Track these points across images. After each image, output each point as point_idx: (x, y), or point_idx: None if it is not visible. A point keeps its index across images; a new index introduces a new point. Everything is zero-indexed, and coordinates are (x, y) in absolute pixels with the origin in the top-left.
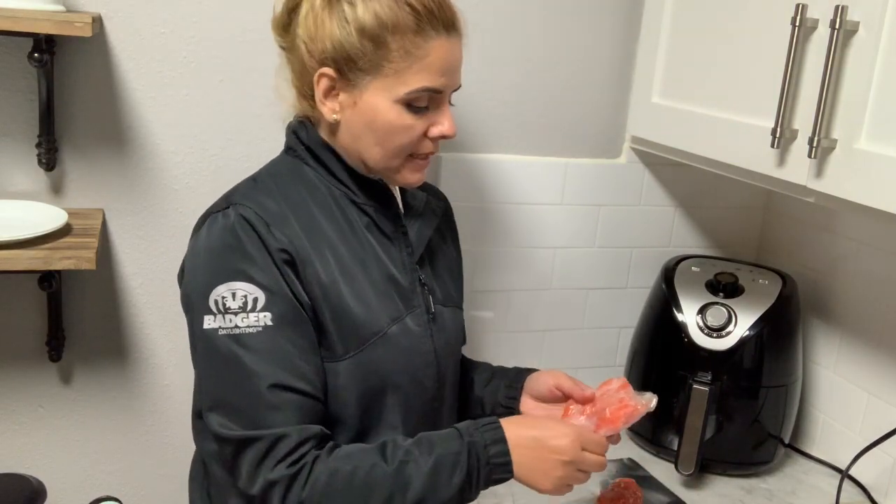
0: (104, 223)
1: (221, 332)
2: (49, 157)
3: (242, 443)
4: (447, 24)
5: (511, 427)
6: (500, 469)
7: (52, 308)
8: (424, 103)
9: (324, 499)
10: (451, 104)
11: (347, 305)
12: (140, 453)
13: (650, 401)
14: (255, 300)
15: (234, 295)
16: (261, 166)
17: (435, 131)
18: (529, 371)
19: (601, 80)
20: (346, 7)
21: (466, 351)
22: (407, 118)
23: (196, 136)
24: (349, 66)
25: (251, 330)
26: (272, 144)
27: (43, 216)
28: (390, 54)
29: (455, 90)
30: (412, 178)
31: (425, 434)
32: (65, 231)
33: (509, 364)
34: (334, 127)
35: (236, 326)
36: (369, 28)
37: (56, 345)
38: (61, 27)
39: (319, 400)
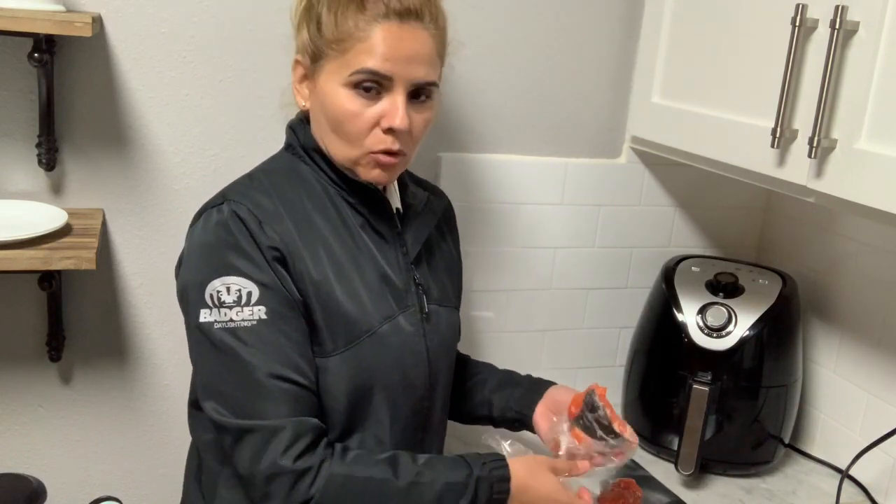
0: (104, 223)
1: (217, 326)
2: (49, 157)
3: (241, 431)
4: (401, 10)
5: (516, 468)
6: (498, 501)
7: (52, 308)
8: (371, 88)
9: (335, 502)
10: (421, 99)
11: (338, 302)
12: (140, 453)
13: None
14: (250, 294)
15: (228, 289)
16: None
17: (385, 123)
18: (550, 382)
19: (601, 80)
20: None
21: (468, 351)
22: (353, 103)
23: (196, 136)
24: (310, 52)
25: (246, 323)
26: (272, 144)
27: (43, 216)
28: (332, 34)
29: (417, 84)
30: (371, 173)
31: (434, 457)
32: (65, 231)
33: (509, 365)
34: (307, 115)
35: (231, 320)
36: (315, 11)
37: (56, 345)
38: (61, 27)
39: (314, 392)
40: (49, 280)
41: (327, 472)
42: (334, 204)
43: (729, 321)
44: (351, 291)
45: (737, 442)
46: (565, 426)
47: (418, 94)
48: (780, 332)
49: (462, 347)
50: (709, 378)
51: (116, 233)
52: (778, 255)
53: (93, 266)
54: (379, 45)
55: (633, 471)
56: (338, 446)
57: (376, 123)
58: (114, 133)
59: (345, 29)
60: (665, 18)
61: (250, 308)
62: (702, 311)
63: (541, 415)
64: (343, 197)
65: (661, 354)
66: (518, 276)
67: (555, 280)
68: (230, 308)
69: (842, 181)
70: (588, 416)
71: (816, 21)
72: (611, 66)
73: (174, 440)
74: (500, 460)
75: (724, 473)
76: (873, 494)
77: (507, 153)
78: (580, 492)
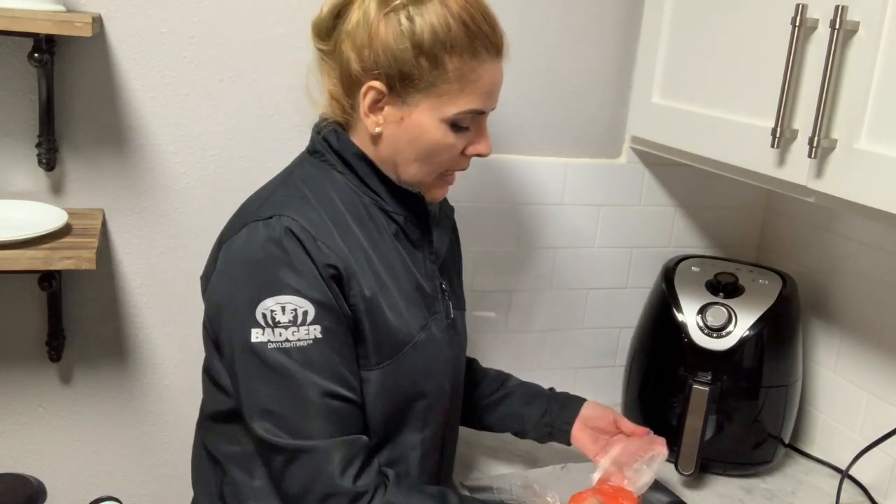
0: (104, 223)
1: (271, 346)
2: (49, 157)
3: (296, 451)
4: (498, 47)
5: None
6: None
7: (52, 308)
8: (468, 123)
9: None
10: None
11: (385, 316)
12: (140, 453)
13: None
14: (305, 313)
15: (283, 308)
16: (260, 166)
17: (472, 150)
18: (580, 399)
19: (601, 80)
20: (404, 20)
21: (469, 350)
22: (450, 137)
23: (196, 136)
24: (403, 83)
25: (301, 343)
26: (272, 144)
27: (43, 216)
28: (446, 75)
29: (492, 110)
30: (440, 193)
31: (480, 502)
32: (65, 231)
33: (510, 365)
34: (375, 138)
35: (287, 340)
36: (427, 46)
37: (56, 345)
38: (61, 27)
39: (360, 407)
40: (49, 280)
41: (383, 497)
42: (369, 213)
43: (729, 321)
44: (393, 303)
45: (737, 442)
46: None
47: None
48: (780, 332)
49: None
50: (709, 378)
51: (116, 233)
52: (778, 255)
53: (93, 266)
54: (485, 85)
55: None
56: (391, 473)
57: (463, 150)
58: (114, 133)
59: (455, 68)
60: (665, 18)
61: (306, 328)
62: (702, 311)
63: (579, 430)
64: (378, 205)
65: (661, 354)
66: (518, 276)
67: (555, 280)
68: (285, 328)
69: (842, 181)
70: None
71: (816, 21)
72: (611, 66)
73: (174, 440)
74: None
75: (724, 473)
76: (873, 494)
77: (507, 153)
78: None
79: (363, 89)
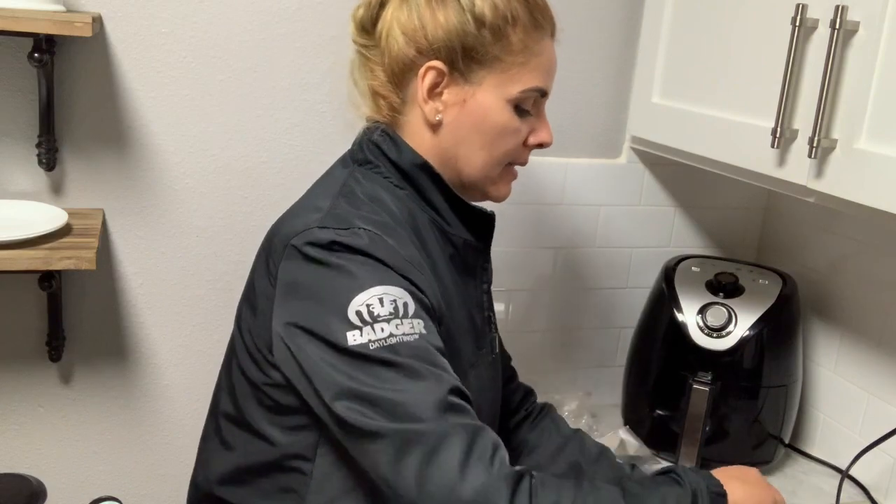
0: (104, 223)
1: (374, 346)
2: (49, 157)
3: (441, 437)
4: (553, 24)
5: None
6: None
7: (52, 308)
8: (530, 107)
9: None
10: None
11: (454, 339)
12: (140, 453)
13: None
14: (406, 305)
15: (381, 300)
16: (260, 166)
17: (534, 138)
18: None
19: (601, 80)
20: None
21: None
22: (516, 121)
23: (196, 136)
24: (465, 59)
25: (408, 338)
26: (272, 145)
27: (43, 216)
28: (511, 47)
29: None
30: (505, 190)
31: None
32: (65, 231)
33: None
34: (435, 127)
35: (391, 335)
36: (489, 19)
37: (56, 345)
38: (61, 27)
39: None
40: (49, 280)
41: (537, 481)
42: (428, 232)
43: (729, 321)
44: (448, 334)
45: (737, 442)
46: None
47: None
48: (780, 332)
49: None
50: (709, 378)
51: (116, 233)
52: (778, 255)
53: (93, 266)
54: (546, 61)
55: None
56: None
57: (525, 140)
58: (114, 133)
59: (519, 40)
60: (665, 18)
61: (409, 321)
62: (702, 311)
63: None
64: (437, 225)
65: (661, 354)
66: (518, 276)
67: (555, 280)
68: (387, 321)
69: (842, 181)
70: None
71: (816, 21)
72: (611, 66)
73: (174, 440)
74: (698, 469)
75: None
76: (873, 494)
77: None
78: None
79: (421, 72)
